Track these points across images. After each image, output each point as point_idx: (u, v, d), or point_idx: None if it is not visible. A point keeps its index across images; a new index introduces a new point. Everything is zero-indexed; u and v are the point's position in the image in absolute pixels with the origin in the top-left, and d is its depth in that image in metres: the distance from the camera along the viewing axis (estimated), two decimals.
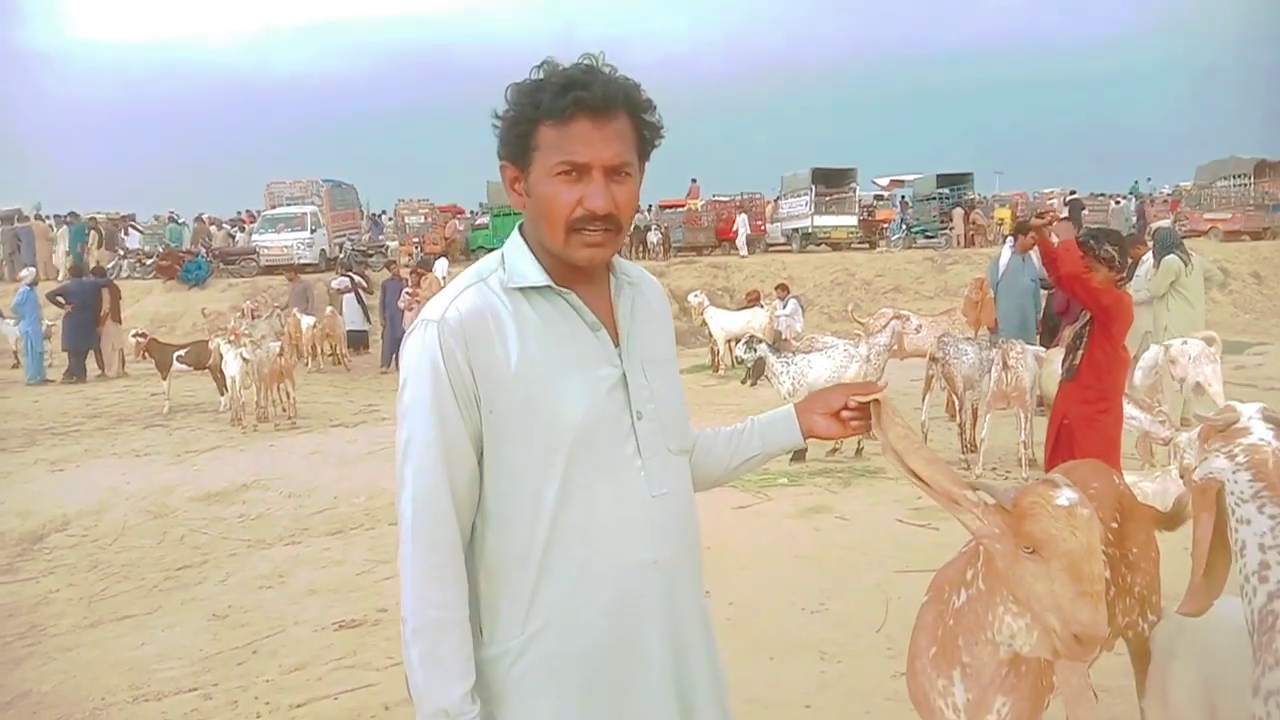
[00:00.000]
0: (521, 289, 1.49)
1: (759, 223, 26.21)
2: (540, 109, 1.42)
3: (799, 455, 7.32)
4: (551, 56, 1.47)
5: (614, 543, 1.49)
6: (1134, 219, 26.56)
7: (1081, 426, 4.18)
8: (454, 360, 1.44)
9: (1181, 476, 2.92)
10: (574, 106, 1.40)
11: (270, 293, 18.97)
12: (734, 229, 24.37)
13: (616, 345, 1.54)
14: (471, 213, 31.08)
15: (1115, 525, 2.47)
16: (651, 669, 1.51)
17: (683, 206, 27.72)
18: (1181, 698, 2.34)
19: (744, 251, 23.73)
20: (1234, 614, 2.34)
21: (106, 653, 4.60)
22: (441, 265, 18.82)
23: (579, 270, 1.51)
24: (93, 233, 22.73)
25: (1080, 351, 4.25)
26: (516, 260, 1.52)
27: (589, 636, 1.48)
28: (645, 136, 1.50)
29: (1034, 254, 9.32)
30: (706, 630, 1.63)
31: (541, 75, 1.45)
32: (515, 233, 1.57)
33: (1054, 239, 4.30)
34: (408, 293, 14.58)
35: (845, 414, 1.68)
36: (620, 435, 1.50)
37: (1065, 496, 1.70)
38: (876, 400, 1.65)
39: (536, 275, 1.49)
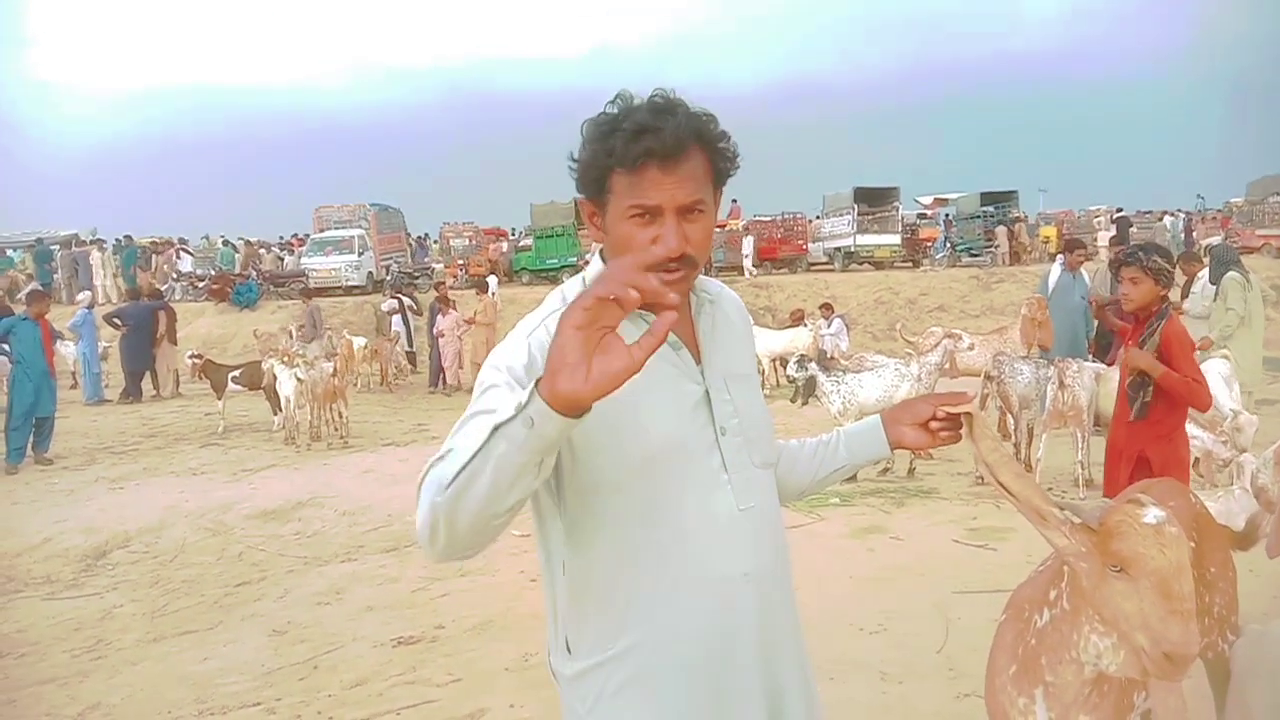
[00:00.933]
0: None
1: (800, 242, 26.20)
2: (612, 156, 1.43)
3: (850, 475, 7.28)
4: (625, 91, 1.49)
5: (705, 557, 1.50)
6: (1181, 236, 26.15)
7: (1158, 454, 4.05)
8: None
9: (1257, 496, 2.89)
10: (644, 156, 1.42)
11: (319, 315, 19.29)
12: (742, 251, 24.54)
13: (698, 363, 1.56)
14: (514, 234, 31.40)
15: (1193, 545, 2.44)
16: (746, 680, 1.52)
17: (724, 227, 27.73)
18: (1264, 717, 2.31)
19: (745, 274, 23.87)
20: None
21: (171, 667, 4.69)
22: (493, 281, 19.16)
23: None
24: (154, 256, 23.39)
25: (1149, 388, 4.10)
26: None
27: (685, 650, 1.49)
28: (719, 167, 1.52)
29: (1085, 271, 9.27)
30: (798, 640, 1.64)
31: (615, 112, 1.46)
32: (597, 257, 1.60)
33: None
34: (466, 320, 14.75)
35: (934, 424, 1.66)
36: (704, 451, 1.52)
37: (1153, 515, 1.69)
38: (968, 412, 1.65)
39: None
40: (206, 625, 5.24)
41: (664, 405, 1.49)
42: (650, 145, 1.41)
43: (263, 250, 28.80)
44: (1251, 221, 25.78)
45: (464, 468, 1.20)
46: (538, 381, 1.15)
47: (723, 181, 1.54)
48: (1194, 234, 26.15)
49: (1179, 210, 32.29)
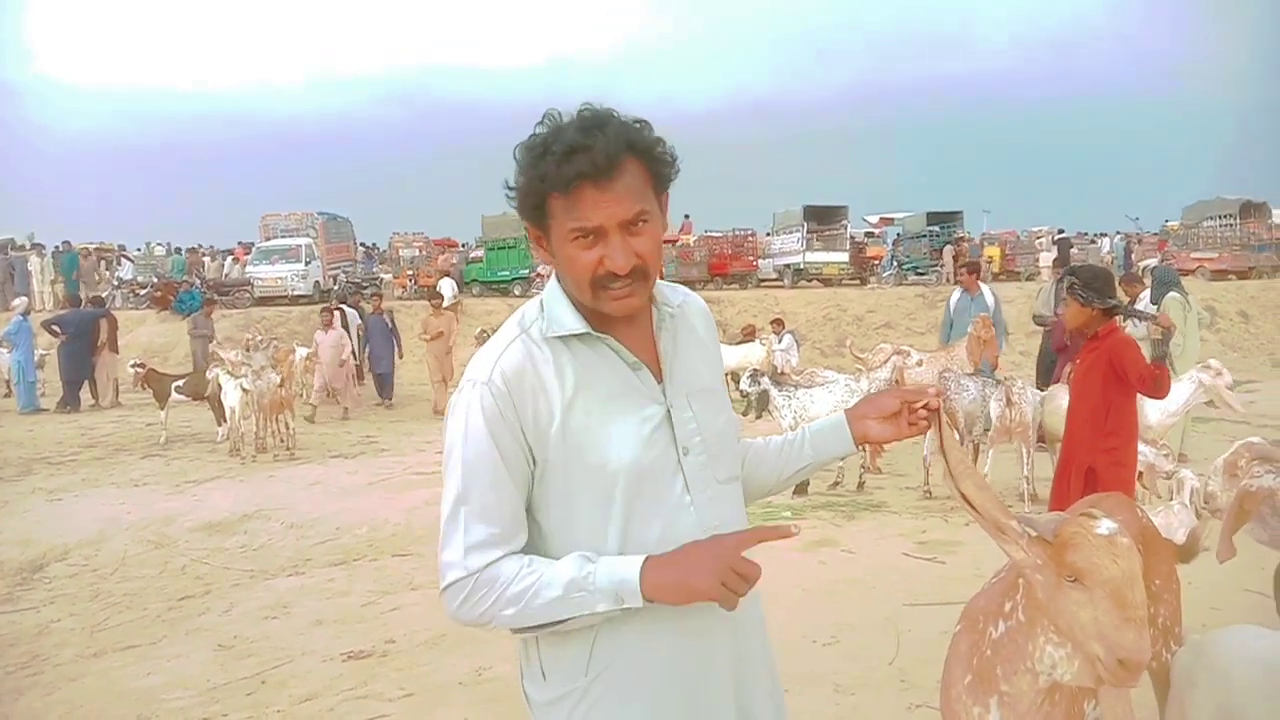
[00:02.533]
0: (561, 336, 1.50)
1: (750, 258, 26.44)
2: (546, 181, 1.41)
3: (801, 488, 7.36)
4: (553, 109, 1.46)
5: None
6: (1122, 258, 26.84)
7: (1106, 469, 4.19)
8: (502, 421, 1.46)
9: (1206, 504, 2.99)
10: (577, 178, 1.39)
11: (264, 324, 19.01)
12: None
13: (660, 382, 1.54)
14: (464, 245, 31.19)
15: (1140, 557, 2.50)
16: (718, 700, 1.53)
17: (676, 242, 27.86)
18: None
19: None
20: (1253, 643, 2.39)
21: (112, 683, 4.57)
22: (448, 285, 18.99)
23: None
24: (90, 260, 22.91)
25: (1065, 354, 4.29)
26: (554, 308, 1.52)
27: (654, 676, 1.49)
28: (659, 174, 1.49)
29: (985, 290, 9.66)
30: (768, 657, 1.65)
31: (544, 132, 1.44)
32: (553, 280, 1.57)
33: None
34: (420, 337, 13.99)
35: (910, 415, 1.65)
36: (668, 474, 1.51)
37: (1105, 526, 1.74)
38: (938, 414, 1.66)
39: (574, 322, 1.49)
40: (149, 640, 5.11)
41: (625, 434, 1.48)
42: (581, 167, 1.39)
43: (206, 258, 28.31)
44: (1187, 244, 26.52)
45: (538, 623, 1.46)
46: (643, 571, 1.42)
47: (665, 186, 1.52)
48: (1133, 256, 26.83)
49: (1118, 232, 33.14)
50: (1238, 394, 12.80)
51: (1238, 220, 25.48)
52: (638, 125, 1.46)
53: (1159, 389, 4.15)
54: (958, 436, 8.09)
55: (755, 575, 1.40)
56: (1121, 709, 1.94)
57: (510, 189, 1.49)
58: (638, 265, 1.45)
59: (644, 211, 1.45)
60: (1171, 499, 5.03)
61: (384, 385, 15.06)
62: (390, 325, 15.02)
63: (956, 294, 9.98)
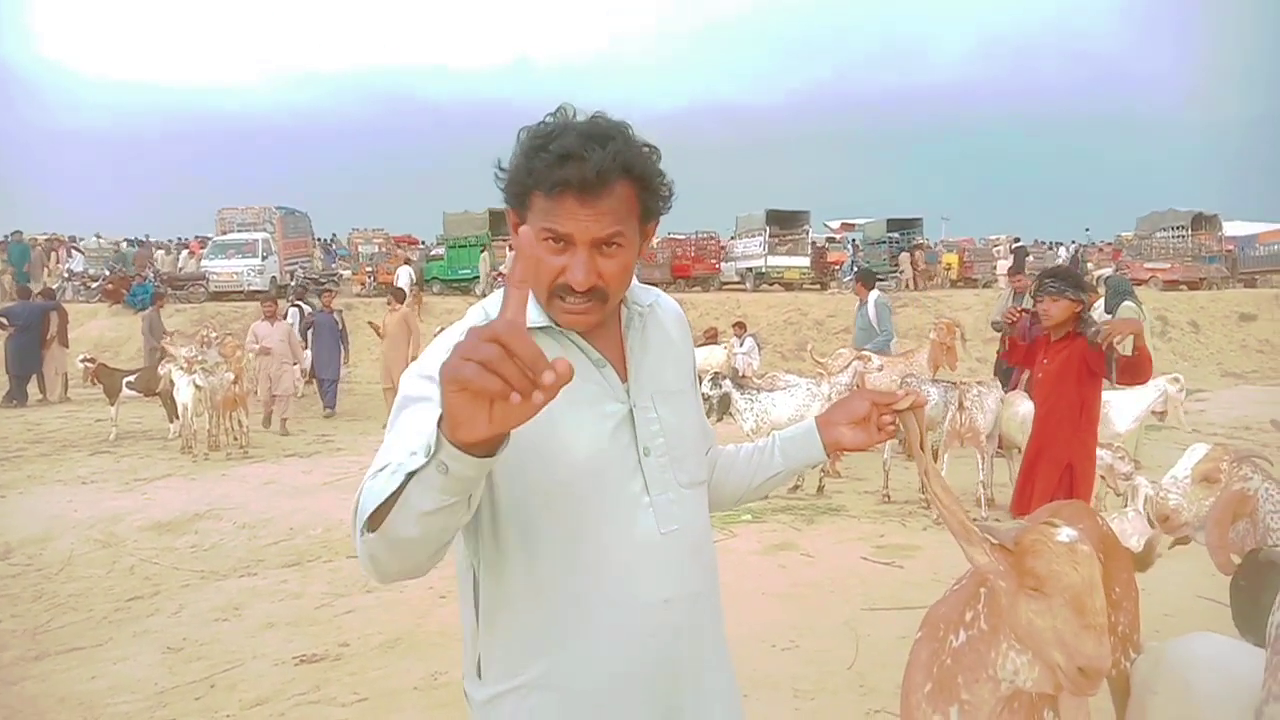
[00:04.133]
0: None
1: (713, 261, 26.54)
2: (532, 177, 1.39)
3: None
4: (567, 104, 1.44)
5: (622, 584, 1.45)
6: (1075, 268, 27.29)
7: (1082, 464, 4.33)
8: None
9: (1167, 518, 2.97)
10: (563, 185, 1.36)
11: (219, 319, 18.73)
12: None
13: (624, 381, 1.51)
14: (424, 244, 30.96)
15: (1100, 565, 2.52)
16: (667, 707, 1.50)
17: None
18: None
19: None
20: (1212, 651, 2.41)
21: (54, 686, 4.44)
22: (405, 273, 18.78)
23: None
24: (51, 252, 22.46)
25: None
26: None
27: (598, 678, 1.45)
28: (647, 205, 1.46)
29: (870, 299, 9.82)
30: (724, 664, 1.62)
31: (550, 127, 1.41)
32: None
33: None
34: (373, 326, 13.22)
35: (883, 420, 1.62)
36: (626, 473, 1.48)
37: (1065, 534, 1.75)
38: (908, 416, 1.63)
39: (538, 316, 1.46)
40: (94, 642, 4.98)
41: (584, 428, 1.44)
42: (569, 175, 1.36)
43: (160, 251, 27.83)
44: (1140, 255, 27.01)
45: (386, 515, 1.13)
46: (440, 421, 1.05)
47: (652, 217, 1.48)
48: (1088, 265, 27.28)
49: (1073, 241, 33.69)
50: (1188, 402, 13.13)
51: (1189, 232, 25.98)
52: (645, 150, 1.43)
53: (1144, 372, 4.25)
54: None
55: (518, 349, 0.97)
56: (1080, 717, 1.95)
57: (501, 170, 1.46)
58: (598, 286, 1.41)
59: (619, 234, 1.41)
60: (1126, 504, 5.11)
61: (327, 392, 13.81)
62: (339, 325, 14.21)
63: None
